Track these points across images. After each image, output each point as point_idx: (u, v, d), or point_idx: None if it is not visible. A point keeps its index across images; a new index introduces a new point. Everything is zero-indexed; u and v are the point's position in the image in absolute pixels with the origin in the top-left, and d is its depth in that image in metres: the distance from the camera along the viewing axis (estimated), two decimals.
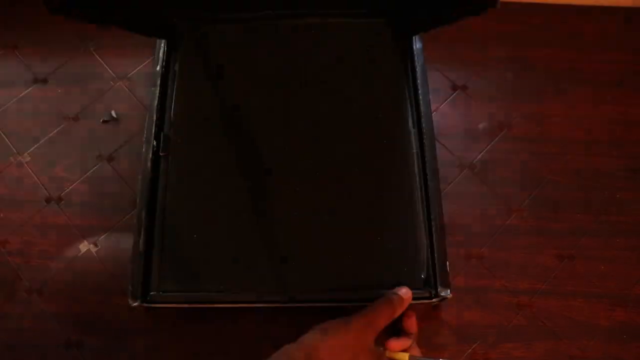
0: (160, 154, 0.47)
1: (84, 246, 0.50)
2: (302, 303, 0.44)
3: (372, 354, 0.39)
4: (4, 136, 0.54)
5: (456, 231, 0.49)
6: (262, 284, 0.43)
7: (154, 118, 0.48)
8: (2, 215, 0.51)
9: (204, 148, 0.48)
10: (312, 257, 0.44)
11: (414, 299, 0.43)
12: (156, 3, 0.49)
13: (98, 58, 0.57)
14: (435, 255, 0.44)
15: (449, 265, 0.44)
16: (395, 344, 0.41)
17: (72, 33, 0.58)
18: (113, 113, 0.55)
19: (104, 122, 0.55)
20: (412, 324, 0.42)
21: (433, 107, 0.53)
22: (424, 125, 0.48)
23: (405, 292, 0.41)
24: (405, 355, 0.40)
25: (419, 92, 0.49)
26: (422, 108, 0.48)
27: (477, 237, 0.50)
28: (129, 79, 0.56)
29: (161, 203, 0.46)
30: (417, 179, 0.46)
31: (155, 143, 0.47)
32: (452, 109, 0.55)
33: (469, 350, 0.46)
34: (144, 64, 0.56)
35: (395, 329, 0.42)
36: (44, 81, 0.57)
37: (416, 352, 0.42)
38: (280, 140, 0.48)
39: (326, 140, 0.48)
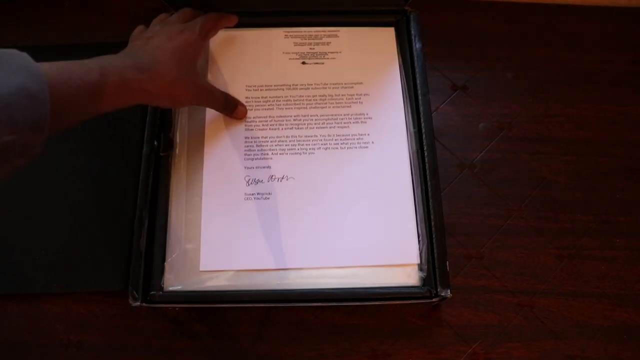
0: (160, 154, 0.47)
1: None
2: (302, 303, 0.44)
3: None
4: None
5: (456, 231, 0.49)
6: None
7: (154, 118, 0.48)
8: None
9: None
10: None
11: (414, 298, 0.43)
12: None
13: None
14: (435, 255, 0.44)
15: (449, 265, 0.44)
16: None
17: (70, 31, 0.57)
18: None
19: None
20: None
21: (433, 107, 0.53)
22: (423, 125, 0.48)
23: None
24: None
25: (419, 92, 0.49)
26: (422, 108, 0.48)
27: (477, 237, 0.49)
28: None
29: (161, 203, 0.46)
30: (417, 179, 0.46)
31: (155, 143, 0.47)
32: (452, 109, 0.54)
33: (469, 350, 0.46)
34: None
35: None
36: None
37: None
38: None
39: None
